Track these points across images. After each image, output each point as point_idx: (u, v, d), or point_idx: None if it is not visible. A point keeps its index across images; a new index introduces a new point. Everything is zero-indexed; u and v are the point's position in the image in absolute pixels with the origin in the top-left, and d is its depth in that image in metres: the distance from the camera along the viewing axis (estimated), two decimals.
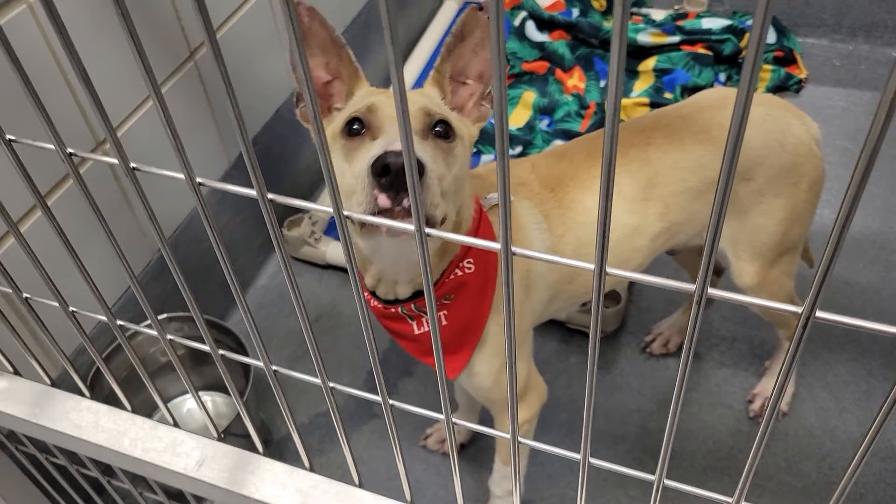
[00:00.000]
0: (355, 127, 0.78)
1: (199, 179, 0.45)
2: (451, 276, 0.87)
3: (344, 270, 1.67)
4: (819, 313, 0.36)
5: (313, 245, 1.67)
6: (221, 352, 0.59)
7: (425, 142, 0.77)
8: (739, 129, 0.31)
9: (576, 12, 2.24)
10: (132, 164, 0.46)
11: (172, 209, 1.36)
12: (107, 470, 1.02)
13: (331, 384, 0.56)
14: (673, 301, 1.56)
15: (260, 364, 0.58)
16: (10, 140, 0.49)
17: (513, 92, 2.06)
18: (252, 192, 0.43)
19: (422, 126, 0.78)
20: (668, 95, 1.97)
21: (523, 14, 2.24)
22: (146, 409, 1.37)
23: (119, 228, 1.22)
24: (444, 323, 0.90)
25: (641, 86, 2.04)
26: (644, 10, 2.27)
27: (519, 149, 1.90)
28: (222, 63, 0.36)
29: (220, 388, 1.44)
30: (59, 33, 0.39)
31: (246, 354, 1.28)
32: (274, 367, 0.58)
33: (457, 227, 0.84)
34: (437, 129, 0.78)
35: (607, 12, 2.27)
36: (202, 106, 1.36)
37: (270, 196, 0.43)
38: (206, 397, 1.36)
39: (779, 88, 2.03)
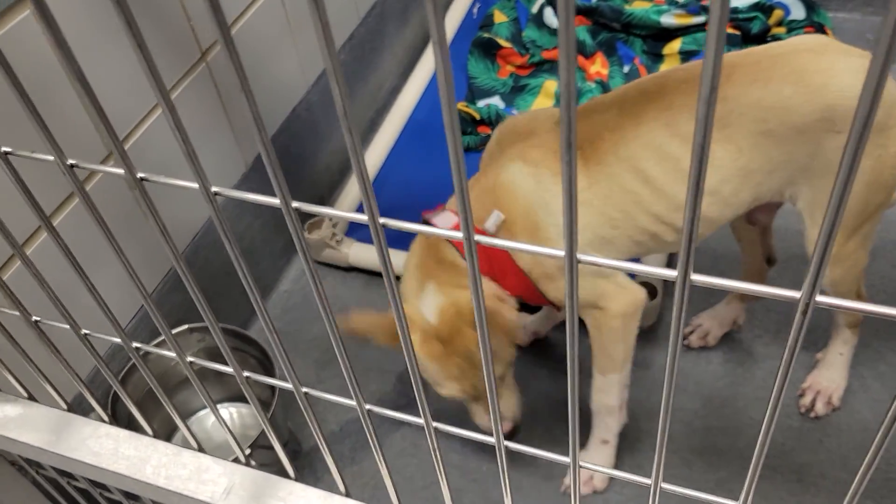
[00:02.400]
0: None
1: (214, 189, 0.40)
2: None
3: (368, 272, 1.62)
4: (819, 298, 0.32)
5: (335, 247, 1.62)
6: (246, 374, 0.54)
7: None
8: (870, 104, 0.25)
9: None
10: (140, 175, 0.41)
11: (192, 213, 1.31)
12: (131, 493, 0.97)
13: (367, 406, 0.51)
14: (713, 292, 1.49)
15: (289, 386, 0.53)
16: (6, 153, 0.45)
17: (534, 81, 2.00)
18: (275, 202, 0.38)
19: None
20: None
21: (541, 1, 2.18)
22: (168, 427, 1.33)
23: (137, 237, 1.18)
24: None
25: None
26: None
27: None
28: (238, 61, 0.31)
29: (245, 398, 1.40)
30: (49, 32, 0.34)
31: (271, 364, 1.23)
32: (304, 389, 0.53)
33: None
34: None
35: None
36: (216, 108, 1.32)
37: (295, 204, 0.38)
38: (232, 409, 1.31)
39: None
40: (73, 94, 1.01)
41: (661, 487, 0.43)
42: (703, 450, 1.30)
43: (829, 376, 1.29)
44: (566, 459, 0.43)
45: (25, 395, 0.70)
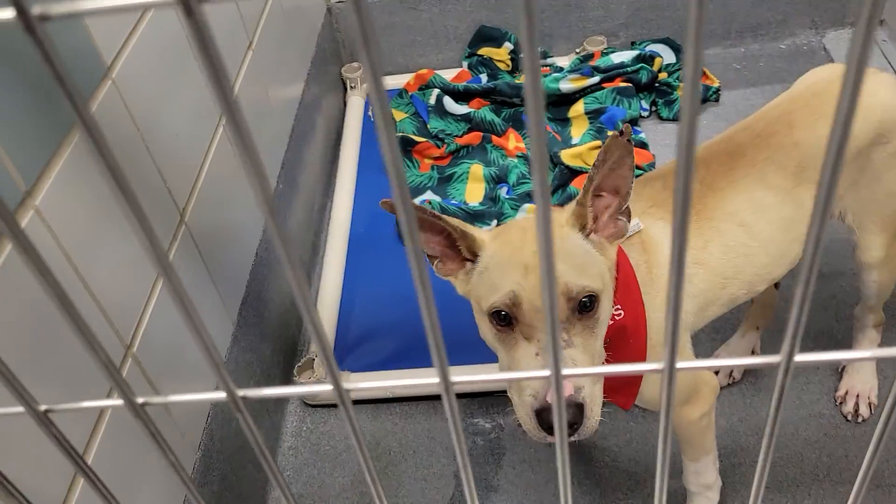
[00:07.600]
0: (504, 314, 0.80)
1: (139, 400, 0.36)
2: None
3: (374, 401, 1.50)
4: (799, 357, 0.31)
5: None
6: None
7: (572, 330, 0.78)
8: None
9: (484, 78, 2.23)
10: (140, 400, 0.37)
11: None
12: None
13: None
14: (719, 325, 1.52)
15: None
16: (46, 410, 0.36)
17: (459, 169, 2.00)
18: (221, 396, 0.36)
19: (566, 314, 0.78)
20: (611, 133, 1.98)
21: (436, 92, 2.20)
22: None
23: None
24: None
25: (579, 131, 2.05)
26: (549, 60, 2.29)
27: (494, 222, 1.83)
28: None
29: None
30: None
31: None
32: None
33: None
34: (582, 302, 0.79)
35: (514, 71, 2.28)
36: (199, 268, 1.19)
37: (241, 393, 0.36)
38: None
39: (702, 101, 2.10)
40: (75, 296, 0.85)
41: None
42: (779, 485, 1.29)
43: (862, 378, 1.34)
44: None
45: None
